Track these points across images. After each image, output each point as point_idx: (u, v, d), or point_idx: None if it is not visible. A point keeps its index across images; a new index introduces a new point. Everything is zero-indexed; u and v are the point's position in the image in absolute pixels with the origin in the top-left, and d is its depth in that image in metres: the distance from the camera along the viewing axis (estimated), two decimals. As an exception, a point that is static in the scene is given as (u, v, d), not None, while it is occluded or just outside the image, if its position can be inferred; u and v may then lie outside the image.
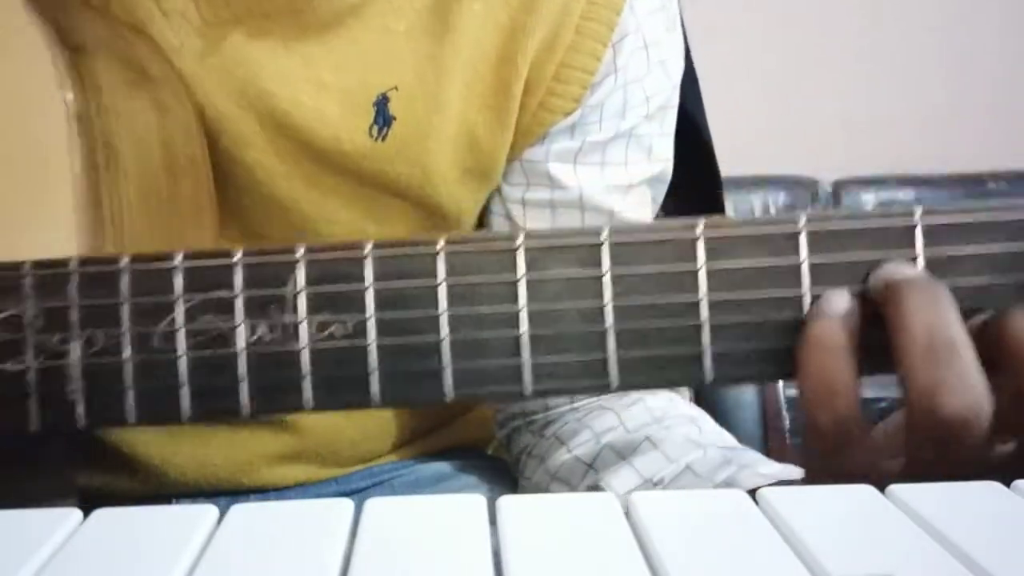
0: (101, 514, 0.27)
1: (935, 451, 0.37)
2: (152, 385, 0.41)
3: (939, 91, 2.36)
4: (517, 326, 0.40)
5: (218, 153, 0.57)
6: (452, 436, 0.71)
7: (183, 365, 0.41)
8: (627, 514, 0.27)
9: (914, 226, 0.40)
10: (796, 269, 0.40)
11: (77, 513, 0.27)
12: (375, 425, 0.67)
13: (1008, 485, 0.29)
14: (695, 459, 0.58)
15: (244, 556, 0.25)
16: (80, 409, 0.41)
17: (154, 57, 0.54)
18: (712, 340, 0.40)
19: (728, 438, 0.62)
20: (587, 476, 0.61)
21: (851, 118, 2.36)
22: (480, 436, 0.73)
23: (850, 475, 0.38)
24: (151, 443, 0.62)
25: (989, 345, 0.38)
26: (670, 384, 0.41)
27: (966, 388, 0.36)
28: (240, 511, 0.28)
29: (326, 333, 0.40)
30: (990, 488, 0.29)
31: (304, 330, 0.40)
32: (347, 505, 0.28)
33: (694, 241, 0.40)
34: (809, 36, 2.34)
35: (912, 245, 0.40)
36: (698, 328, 0.40)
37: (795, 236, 0.40)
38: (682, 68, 0.66)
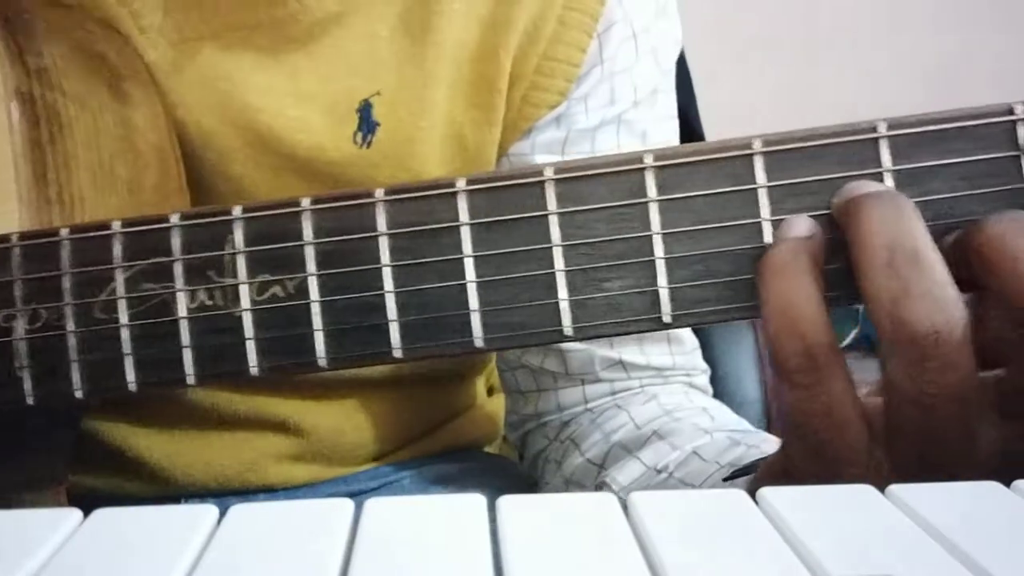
0: (101, 514, 0.27)
1: (912, 378, 0.35)
2: (97, 357, 0.40)
3: (944, 93, 2.36)
4: (463, 275, 0.39)
5: (203, 166, 0.57)
6: (454, 435, 0.71)
7: (126, 335, 0.40)
8: (627, 514, 0.27)
9: (879, 139, 0.38)
10: (754, 194, 0.38)
11: (77, 513, 0.27)
12: (380, 424, 0.67)
13: (1008, 485, 0.29)
14: (701, 444, 0.57)
15: (244, 556, 0.25)
16: (27, 386, 0.41)
17: (118, 49, 0.54)
18: (669, 277, 0.38)
19: (745, 425, 0.61)
20: (598, 477, 0.61)
21: (857, 117, 2.35)
22: (483, 434, 0.73)
23: (827, 416, 0.36)
24: (155, 446, 0.63)
25: (964, 261, 0.36)
26: (629, 329, 0.39)
27: (933, 297, 0.34)
28: (240, 511, 0.28)
29: (267, 294, 0.39)
30: (990, 488, 0.29)
31: (245, 292, 0.39)
32: (347, 505, 0.28)
33: (643, 171, 0.38)
34: (815, 34, 2.33)
35: (878, 160, 0.38)
36: (653, 264, 0.38)
37: (750, 159, 0.38)
38: (676, 54, 0.65)
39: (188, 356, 0.40)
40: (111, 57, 0.53)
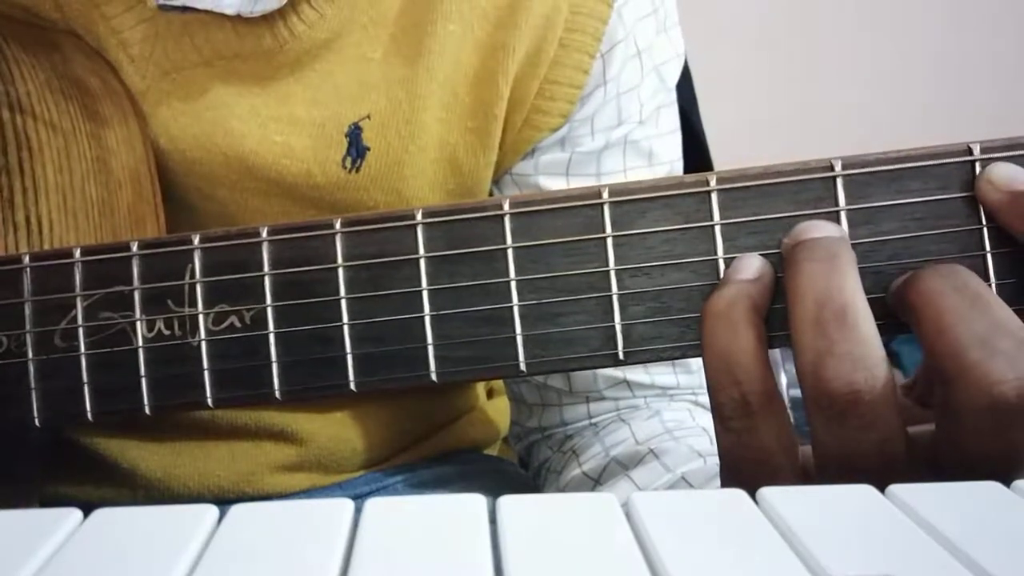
0: (101, 514, 0.27)
1: (834, 434, 0.34)
2: (56, 385, 0.40)
3: (950, 93, 2.36)
4: (419, 308, 0.39)
5: (188, 191, 0.56)
6: (453, 438, 0.71)
7: (84, 364, 0.40)
8: (627, 514, 0.27)
9: (834, 178, 0.38)
10: (709, 231, 0.38)
11: (77, 513, 0.27)
12: (377, 431, 0.67)
13: (1008, 485, 0.29)
14: (692, 469, 0.57)
15: (244, 556, 0.25)
16: None
17: (100, 75, 0.54)
18: (623, 313, 0.38)
19: None
20: (594, 491, 0.61)
21: (858, 117, 2.35)
22: (482, 437, 0.73)
23: (759, 462, 0.36)
24: (151, 457, 0.62)
25: (902, 309, 0.36)
26: (583, 364, 0.39)
27: (854, 356, 0.34)
28: (240, 511, 0.28)
29: (224, 324, 0.39)
30: (990, 488, 0.29)
31: (202, 322, 0.40)
32: (347, 505, 0.28)
33: (600, 207, 0.38)
34: (817, 34, 2.33)
35: (834, 199, 0.38)
36: (608, 300, 0.38)
37: (706, 196, 0.38)
38: (679, 68, 0.64)
39: (144, 386, 0.40)
40: (92, 82, 0.53)
